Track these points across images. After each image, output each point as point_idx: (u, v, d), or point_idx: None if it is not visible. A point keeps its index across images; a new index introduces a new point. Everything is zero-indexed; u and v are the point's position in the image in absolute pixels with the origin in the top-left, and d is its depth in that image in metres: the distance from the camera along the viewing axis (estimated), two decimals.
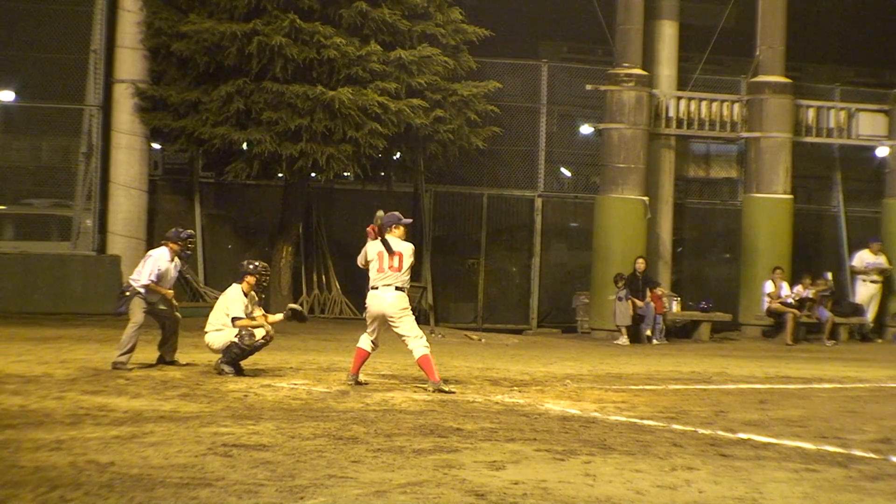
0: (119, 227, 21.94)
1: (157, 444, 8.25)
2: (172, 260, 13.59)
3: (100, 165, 21.86)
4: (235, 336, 12.71)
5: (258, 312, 13.24)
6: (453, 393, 11.76)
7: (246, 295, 13.02)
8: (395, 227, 12.39)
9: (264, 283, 13.23)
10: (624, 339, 21.19)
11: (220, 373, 12.66)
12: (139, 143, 22.09)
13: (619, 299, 21.37)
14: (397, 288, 12.16)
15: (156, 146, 23.02)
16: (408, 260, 12.24)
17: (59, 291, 20.91)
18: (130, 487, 6.84)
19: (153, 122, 21.52)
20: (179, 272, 13.95)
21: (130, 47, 21.86)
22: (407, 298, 12.24)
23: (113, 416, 9.50)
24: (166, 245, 13.65)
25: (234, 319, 12.76)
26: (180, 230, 13.83)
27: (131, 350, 13.10)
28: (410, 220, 12.74)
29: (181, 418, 9.49)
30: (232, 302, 12.93)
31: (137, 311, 13.33)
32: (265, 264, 13.34)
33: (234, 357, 12.76)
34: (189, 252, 14.08)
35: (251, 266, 13.11)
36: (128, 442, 8.33)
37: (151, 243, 22.15)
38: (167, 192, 23.39)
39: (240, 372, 12.75)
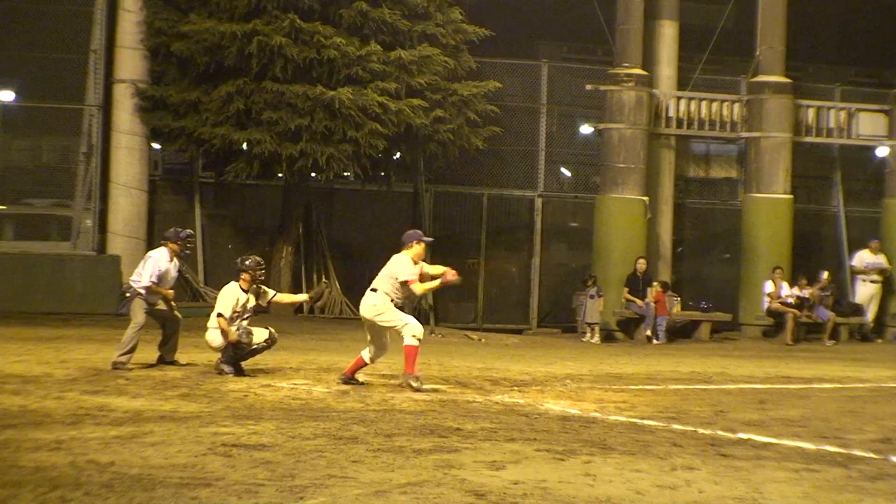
0: (119, 227, 21.94)
1: (157, 444, 8.25)
2: (172, 260, 13.61)
3: (100, 165, 21.86)
4: (235, 332, 12.71)
5: (269, 295, 13.26)
6: (423, 390, 11.73)
7: (246, 291, 13.04)
8: (415, 243, 12.40)
9: (261, 278, 13.25)
10: (595, 338, 21.25)
11: (220, 373, 12.65)
12: (139, 143, 22.09)
13: (591, 297, 21.47)
14: (372, 289, 12.19)
15: (156, 146, 23.01)
16: (389, 267, 12.23)
17: (59, 291, 20.90)
18: (130, 487, 6.84)
19: (153, 122, 21.53)
20: (179, 272, 13.97)
21: (130, 47, 21.87)
22: (381, 296, 12.11)
23: (113, 416, 9.50)
24: (165, 245, 13.66)
25: (217, 315, 12.79)
26: (179, 230, 13.85)
27: (132, 350, 13.10)
28: (431, 240, 12.83)
29: (181, 418, 9.49)
30: (222, 299, 12.99)
31: (139, 313, 13.33)
32: (258, 259, 13.35)
33: (233, 356, 12.77)
34: (188, 252, 14.11)
35: (245, 263, 13.17)
36: (128, 442, 8.32)
37: (151, 243, 22.16)
38: (167, 192, 23.38)
39: (240, 372, 12.75)
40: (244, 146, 20.78)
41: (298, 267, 22.90)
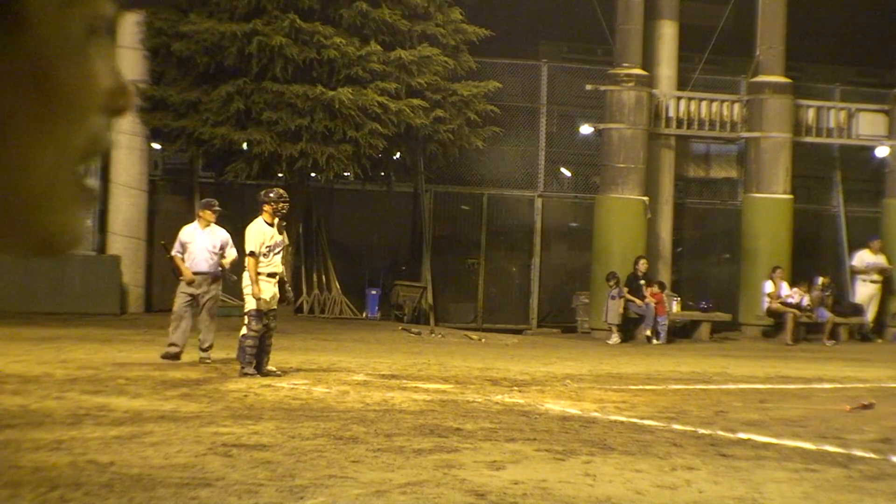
0: (119, 227, 21.94)
1: (157, 444, 8.25)
2: (207, 228, 13.73)
3: (100, 165, 21.85)
4: (244, 324, 12.55)
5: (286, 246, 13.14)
6: None
7: (271, 225, 12.85)
8: None
9: (282, 211, 12.98)
10: (615, 338, 21.21)
11: (244, 375, 12.43)
12: (139, 143, 22.09)
13: (612, 297, 21.42)
14: None
15: (156, 146, 23.01)
16: None
17: (59, 291, 20.91)
18: (130, 487, 6.84)
19: (153, 122, 21.52)
20: (222, 247, 13.90)
21: (130, 47, 21.86)
22: None
23: (113, 416, 9.50)
24: (197, 216, 13.94)
25: (248, 254, 12.62)
26: (210, 200, 14.11)
27: (179, 341, 13.33)
28: None
29: (181, 418, 9.49)
30: (249, 236, 12.73)
31: (177, 302, 13.56)
32: (280, 191, 13.10)
33: (249, 350, 12.51)
34: (217, 209, 14.18)
35: (268, 195, 12.94)
36: (128, 442, 8.32)
37: (151, 243, 22.21)
38: (167, 192, 23.38)
39: (265, 372, 12.52)
40: (244, 146, 20.78)
41: (298, 267, 22.90)
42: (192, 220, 14.51)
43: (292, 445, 8.37)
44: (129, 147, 22.03)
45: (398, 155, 22.14)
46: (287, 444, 8.40)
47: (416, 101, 20.67)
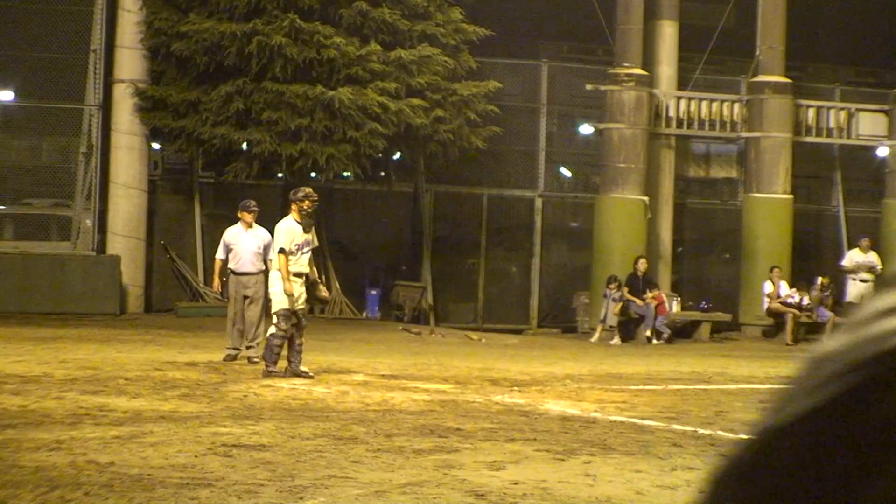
0: (119, 227, 21.93)
1: (157, 444, 8.24)
2: (249, 229, 13.92)
3: (100, 165, 21.85)
4: (273, 323, 12.54)
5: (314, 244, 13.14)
6: None
7: (300, 223, 12.86)
8: None
9: (309, 209, 12.84)
10: (616, 339, 21.25)
11: (269, 375, 12.41)
12: (139, 143, 22.09)
13: (614, 300, 21.42)
14: None
15: (156, 146, 23.01)
16: None
17: (59, 291, 20.88)
18: (130, 487, 6.83)
19: (153, 122, 21.52)
20: (265, 246, 13.93)
21: (130, 47, 21.86)
22: None
23: (113, 416, 9.49)
24: (238, 217, 14.20)
25: (279, 252, 12.62)
26: (246, 202, 14.39)
27: (232, 339, 13.52)
28: None
29: (181, 418, 9.49)
30: (279, 234, 12.75)
31: (230, 302, 13.80)
32: (307, 190, 13.14)
33: (276, 349, 12.50)
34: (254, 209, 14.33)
35: (296, 194, 12.99)
36: (128, 442, 8.32)
37: (151, 243, 22.21)
38: (167, 192, 23.37)
39: (297, 371, 12.51)
40: (244, 146, 20.79)
41: None
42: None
43: (292, 445, 8.37)
44: (128, 147, 22.03)
45: (398, 155, 22.13)
46: (287, 444, 8.40)
47: (416, 101, 20.66)
